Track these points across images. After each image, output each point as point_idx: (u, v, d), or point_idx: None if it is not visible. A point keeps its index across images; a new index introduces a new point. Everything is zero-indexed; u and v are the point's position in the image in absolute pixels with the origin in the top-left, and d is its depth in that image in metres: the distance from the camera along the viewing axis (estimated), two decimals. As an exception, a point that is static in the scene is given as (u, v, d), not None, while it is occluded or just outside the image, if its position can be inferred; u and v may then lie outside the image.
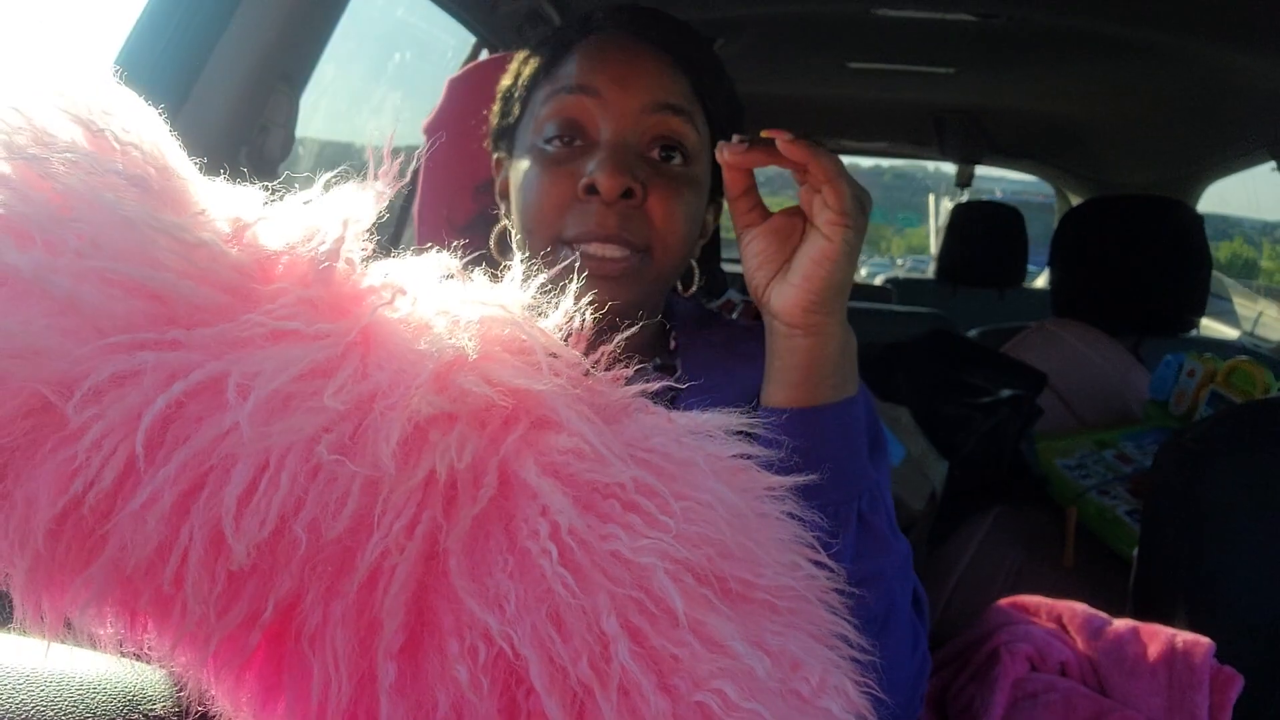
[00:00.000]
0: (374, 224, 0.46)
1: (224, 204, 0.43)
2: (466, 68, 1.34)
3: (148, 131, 0.44)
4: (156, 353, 0.37)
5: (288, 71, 1.30)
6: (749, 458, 0.46)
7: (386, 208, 0.47)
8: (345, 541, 0.37)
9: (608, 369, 0.47)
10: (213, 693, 0.40)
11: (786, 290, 0.77)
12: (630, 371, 0.47)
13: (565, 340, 0.46)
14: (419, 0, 2.05)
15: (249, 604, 0.36)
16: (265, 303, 0.40)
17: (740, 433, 0.47)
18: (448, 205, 1.23)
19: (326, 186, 0.47)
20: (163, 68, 1.17)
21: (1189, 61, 2.23)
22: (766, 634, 0.40)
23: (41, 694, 0.42)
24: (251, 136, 1.27)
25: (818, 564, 0.46)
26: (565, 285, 0.47)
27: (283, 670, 0.38)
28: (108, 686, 0.43)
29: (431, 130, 1.40)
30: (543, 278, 0.47)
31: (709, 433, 0.45)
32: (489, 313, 0.43)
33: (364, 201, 0.46)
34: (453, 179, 1.24)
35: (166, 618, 0.37)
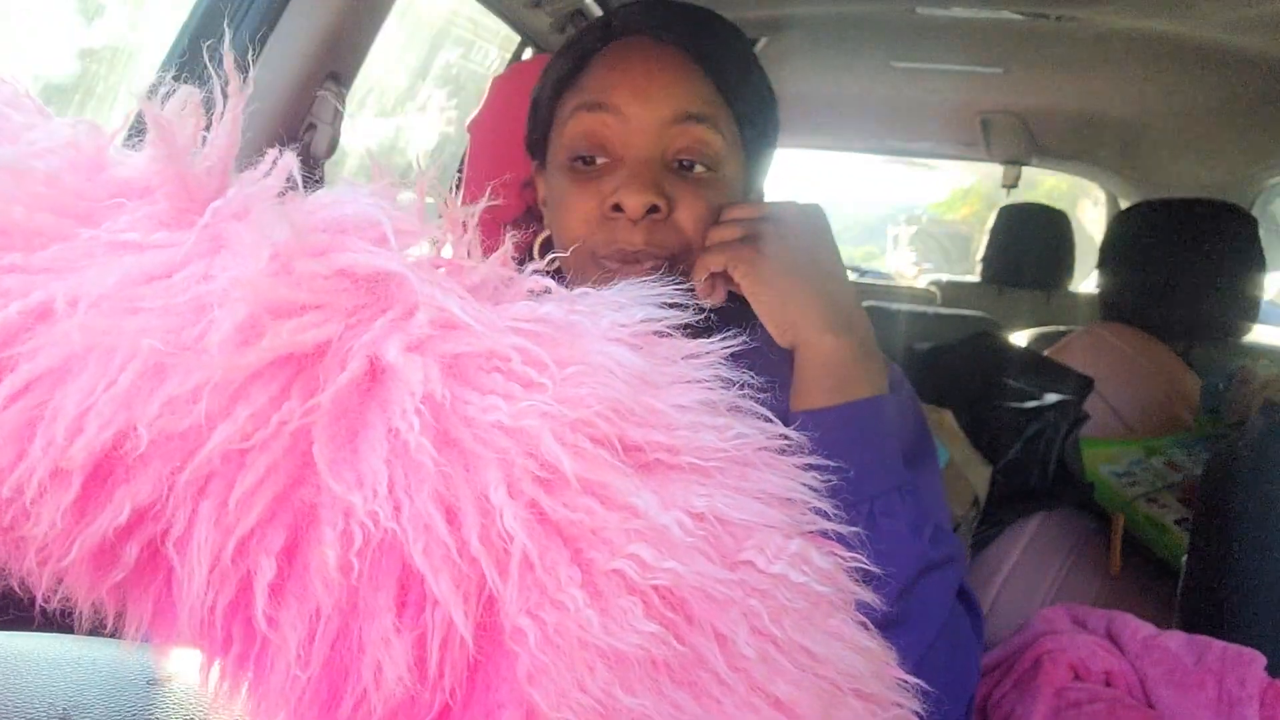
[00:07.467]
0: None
1: (65, 135, 0.43)
2: (511, 67, 1.34)
3: None
4: None
5: (335, 70, 1.32)
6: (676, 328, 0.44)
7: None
8: (197, 438, 0.36)
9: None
10: (116, 616, 0.39)
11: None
12: (509, 247, 0.45)
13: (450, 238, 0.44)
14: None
15: (112, 513, 0.36)
16: (106, 221, 0.39)
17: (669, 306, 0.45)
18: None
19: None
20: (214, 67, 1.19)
21: (1244, 60, 2.18)
22: (693, 497, 0.38)
23: (29, 679, 0.43)
24: (299, 134, 1.29)
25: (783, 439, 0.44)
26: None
27: (172, 583, 0.38)
28: (88, 665, 0.44)
29: (476, 129, 1.41)
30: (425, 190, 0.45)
31: (610, 303, 0.43)
32: (345, 209, 0.42)
33: (225, 120, 0.44)
34: (497, 177, 1.25)
35: (24, 528, 0.37)
